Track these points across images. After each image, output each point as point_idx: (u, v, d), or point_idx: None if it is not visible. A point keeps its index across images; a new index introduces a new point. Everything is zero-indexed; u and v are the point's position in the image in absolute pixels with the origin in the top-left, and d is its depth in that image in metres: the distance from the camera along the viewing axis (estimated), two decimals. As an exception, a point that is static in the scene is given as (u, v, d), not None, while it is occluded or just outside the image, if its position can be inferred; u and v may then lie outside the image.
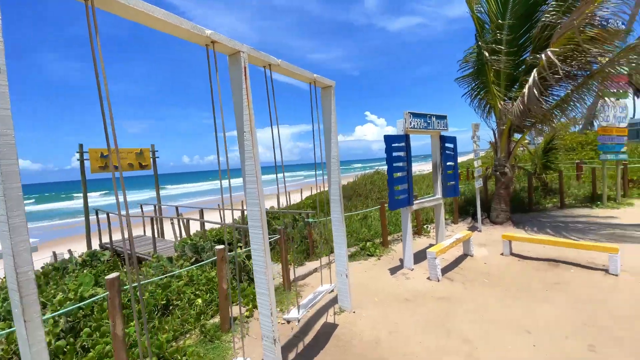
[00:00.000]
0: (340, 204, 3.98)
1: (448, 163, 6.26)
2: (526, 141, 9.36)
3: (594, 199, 9.51)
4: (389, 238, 7.15)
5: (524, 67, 7.56)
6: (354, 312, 4.03)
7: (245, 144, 2.52)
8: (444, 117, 6.02)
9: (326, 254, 6.51)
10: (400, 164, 5.32)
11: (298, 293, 4.25)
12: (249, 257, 5.36)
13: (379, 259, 6.18)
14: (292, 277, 4.98)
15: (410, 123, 5.30)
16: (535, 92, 6.26)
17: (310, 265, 6.02)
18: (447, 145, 6.22)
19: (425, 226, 8.20)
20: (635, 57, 5.95)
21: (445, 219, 8.58)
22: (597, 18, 5.84)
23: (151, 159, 11.25)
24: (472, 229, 7.63)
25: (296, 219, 7.53)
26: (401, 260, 5.80)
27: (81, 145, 10.25)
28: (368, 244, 6.68)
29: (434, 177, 6.25)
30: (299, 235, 7.09)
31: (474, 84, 8.38)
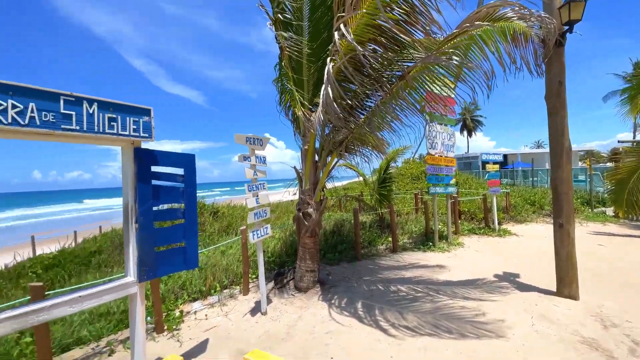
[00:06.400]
0: None
1: (160, 207, 3.11)
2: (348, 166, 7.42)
3: (427, 237, 8.18)
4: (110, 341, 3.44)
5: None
6: None
7: None
8: (137, 112, 2.88)
9: None
10: None
11: None
12: None
13: None
14: None
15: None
16: (331, 93, 3.86)
17: None
18: (155, 170, 3.08)
19: (235, 286, 4.87)
20: (453, 50, 4.17)
21: (230, 287, 5.50)
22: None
23: None
24: (259, 305, 4.68)
25: None
26: None
27: None
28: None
29: (125, 236, 2.96)
30: None
31: (281, 86, 5.84)
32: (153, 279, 3.04)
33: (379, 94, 4.87)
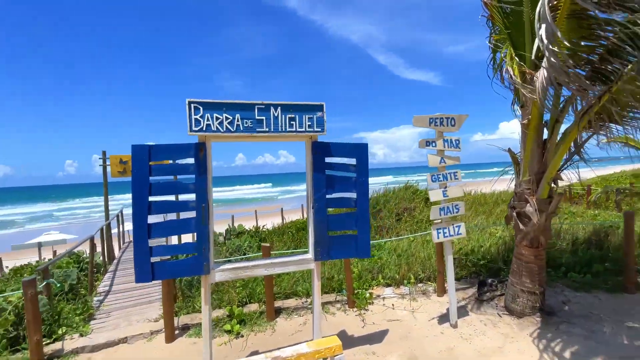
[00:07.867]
0: None
1: (333, 195, 3.28)
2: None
3: None
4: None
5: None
6: None
7: None
8: (312, 109, 3.12)
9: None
10: (176, 199, 2.93)
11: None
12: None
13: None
14: None
15: (201, 122, 2.83)
16: (545, 39, 2.53)
17: None
18: (329, 161, 3.26)
19: (403, 283, 4.96)
20: None
21: (425, 282, 5.06)
22: None
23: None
24: (462, 313, 3.98)
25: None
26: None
27: (104, 152, 11.35)
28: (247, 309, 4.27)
29: (307, 219, 3.39)
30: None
31: (493, 42, 4.53)
32: (326, 260, 3.33)
33: None
